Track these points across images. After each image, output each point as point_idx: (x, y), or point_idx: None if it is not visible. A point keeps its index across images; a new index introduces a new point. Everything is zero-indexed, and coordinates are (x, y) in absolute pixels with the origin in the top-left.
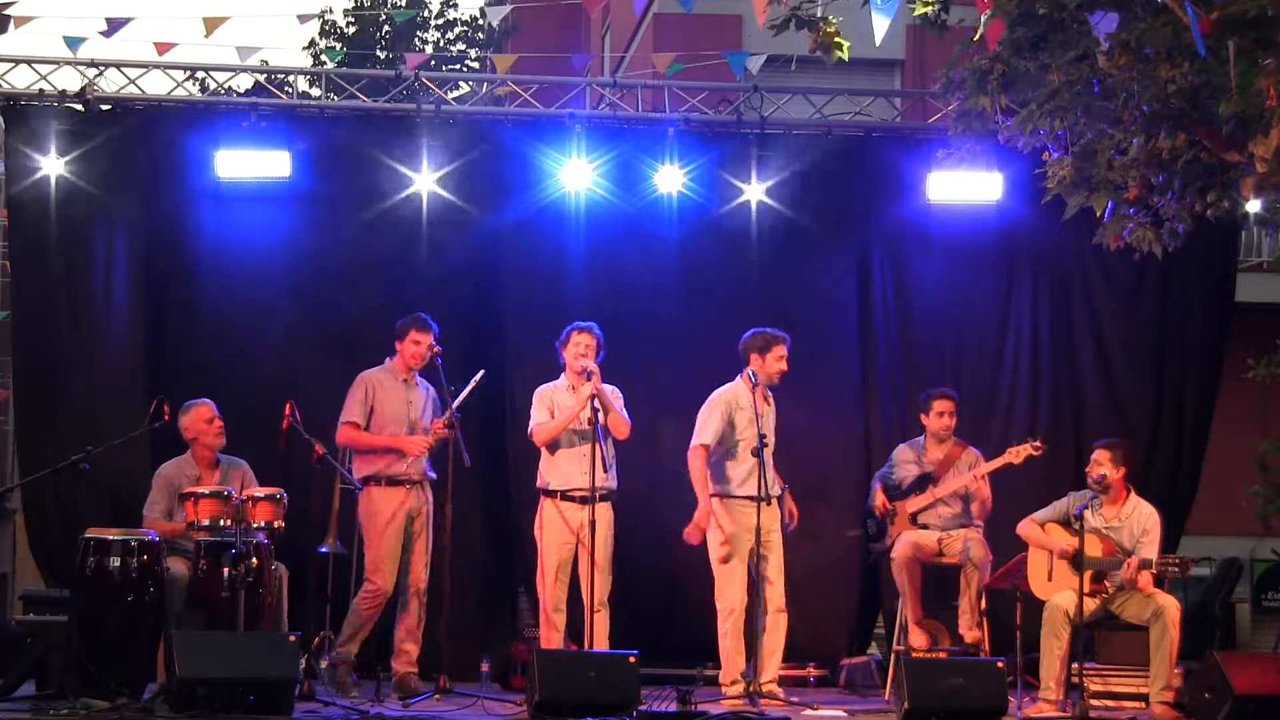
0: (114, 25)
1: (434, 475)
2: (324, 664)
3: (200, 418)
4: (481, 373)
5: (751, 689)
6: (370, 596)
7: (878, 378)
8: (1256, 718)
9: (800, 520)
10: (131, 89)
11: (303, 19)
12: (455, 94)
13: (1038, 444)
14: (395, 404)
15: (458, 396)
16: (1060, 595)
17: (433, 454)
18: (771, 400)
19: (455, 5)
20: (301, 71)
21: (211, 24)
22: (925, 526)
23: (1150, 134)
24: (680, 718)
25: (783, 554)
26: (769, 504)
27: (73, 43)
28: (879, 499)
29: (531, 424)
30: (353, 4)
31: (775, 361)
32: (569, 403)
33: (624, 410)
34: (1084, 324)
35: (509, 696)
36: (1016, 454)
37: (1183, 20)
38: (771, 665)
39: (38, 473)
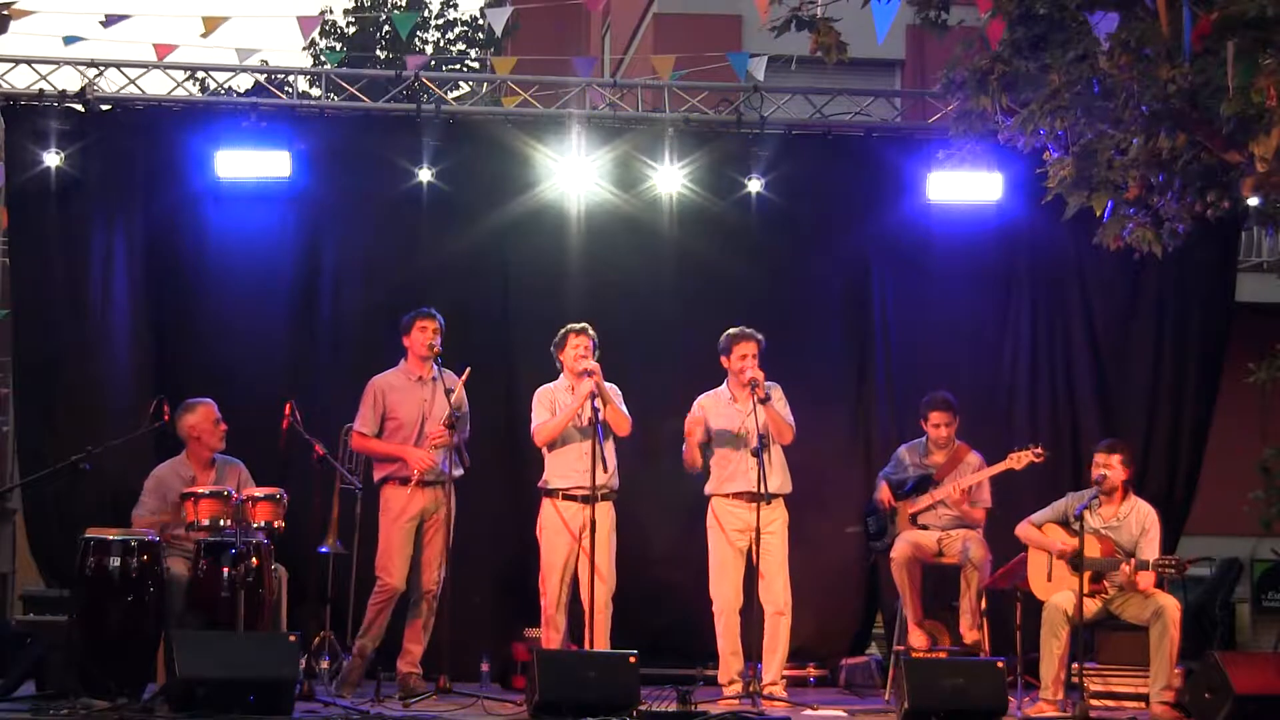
0: (111, 20)
1: (460, 472)
2: (324, 664)
3: (207, 418)
4: (467, 370)
5: (751, 689)
6: (378, 593)
7: (876, 378)
8: (1256, 718)
9: (797, 518)
10: (131, 89)
11: (303, 21)
12: (455, 94)
13: (1039, 451)
14: (409, 406)
15: (451, 394)
16: (1060, 595)
17: (450, 452)
18: (768, 396)
19: (455, 5)
20: (301, 71)
21: (211, 23)
22: (925, 527)
23: (1150, 134)
24: (680, 718)
25: (784, 554)
26: (768, 503)
27: (70, 38)
28: (884, 494)
29: (533, 424)
30: (353, 4)
31: (737, 360)
32: (570, 402)
33: (624, 408)
34: (1083, 324)
35: (509, 696)
36: (1018, 459)
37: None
38: (772, 667)
39: (38, 473)
